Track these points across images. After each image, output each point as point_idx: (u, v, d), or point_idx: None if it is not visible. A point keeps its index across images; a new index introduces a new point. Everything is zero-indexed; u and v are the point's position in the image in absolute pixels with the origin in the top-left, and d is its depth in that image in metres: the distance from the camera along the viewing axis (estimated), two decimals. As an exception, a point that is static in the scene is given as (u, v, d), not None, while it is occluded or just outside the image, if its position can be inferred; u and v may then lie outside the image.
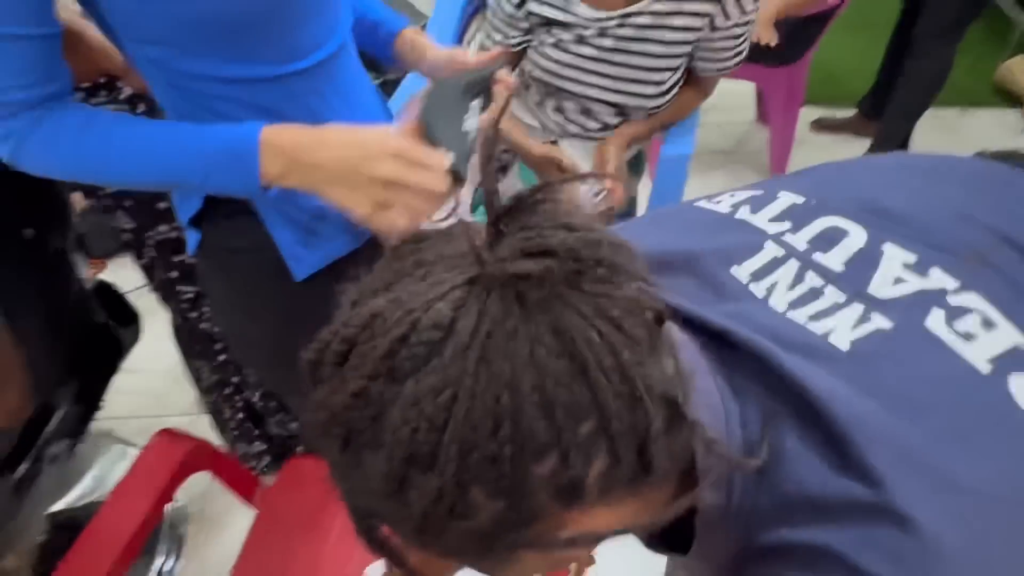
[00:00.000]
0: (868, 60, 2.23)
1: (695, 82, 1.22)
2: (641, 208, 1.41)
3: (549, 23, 1.14)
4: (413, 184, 0.59)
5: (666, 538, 0.46)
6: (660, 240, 0.47)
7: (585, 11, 1.10)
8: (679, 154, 1.17)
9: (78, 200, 1.93)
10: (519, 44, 1.19)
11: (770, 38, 1.70)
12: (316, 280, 0.75)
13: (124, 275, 1.31)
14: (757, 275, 0.44)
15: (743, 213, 0.48)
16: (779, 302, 0.42)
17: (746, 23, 1.10)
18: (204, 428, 1.45)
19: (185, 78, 0.62)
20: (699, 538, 0.41)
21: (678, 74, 1.16)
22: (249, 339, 0.83)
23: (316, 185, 0.61)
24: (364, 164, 0.59)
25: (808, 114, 2.35)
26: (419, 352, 0.30)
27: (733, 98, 2.37)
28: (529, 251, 0.31)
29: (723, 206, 0.50)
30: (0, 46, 0.54)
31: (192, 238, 0.73)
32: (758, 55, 1.71)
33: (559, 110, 1.24)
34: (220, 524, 1.42)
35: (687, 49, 1.12)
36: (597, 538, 0.36)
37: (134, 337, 1.32)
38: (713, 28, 1.09)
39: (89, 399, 1.17)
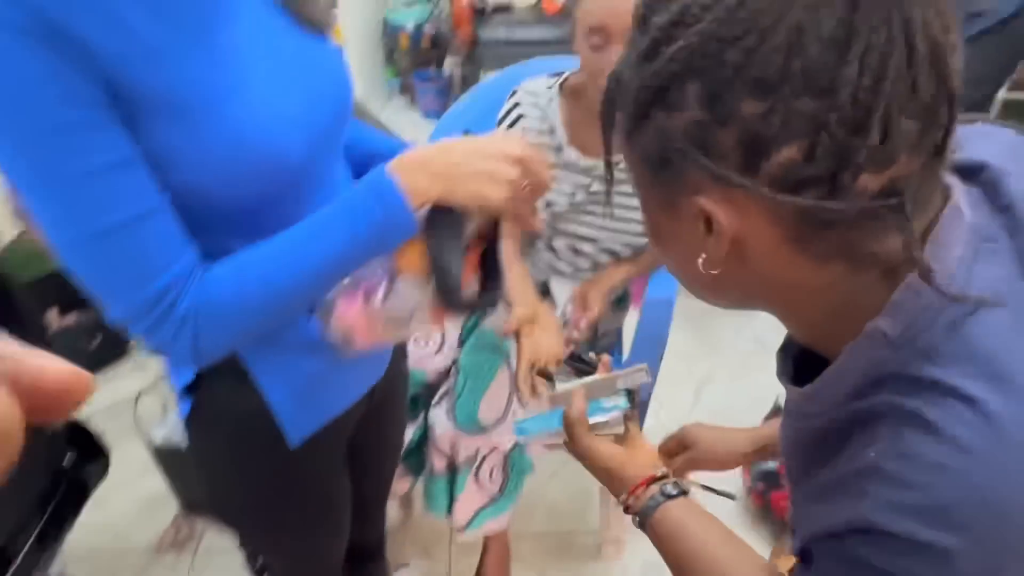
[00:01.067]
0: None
1: None
2: (626, 342, 1.43)
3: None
4: (532, 186, 0.62)
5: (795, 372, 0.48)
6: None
7: (576, 157, 1.16)
8: (664, 298, 1.20)
9: (54, 319, 1.91)
10: None
11: None
12: (310, 443, 0.74)
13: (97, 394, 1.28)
14: None
15: None
16: None
17: None
18: (164, 571, 1.37)
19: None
20: (838, 365, 0.42)
21: None
22: (237, 504, 0.80)
23: (458, 183, 0.60)
24: (492, 147, 0.60)
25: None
26: None
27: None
28: None
29: None
30: (140, 228, 0.52)
31: (184, 405, 0.71)
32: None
33: (551, 249, 1.28)
34: None
35: None
36: (740, 250, 0.39)
37: (102, 472, 1.26)
38: None
39: (50, 542, 1.11)
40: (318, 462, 0.79)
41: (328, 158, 0.68)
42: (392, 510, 1.51)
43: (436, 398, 1.24)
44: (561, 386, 0.77)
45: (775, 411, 1.41)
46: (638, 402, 0.78)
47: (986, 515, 0.35)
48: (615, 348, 1.42)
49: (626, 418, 0.74)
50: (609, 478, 0.69)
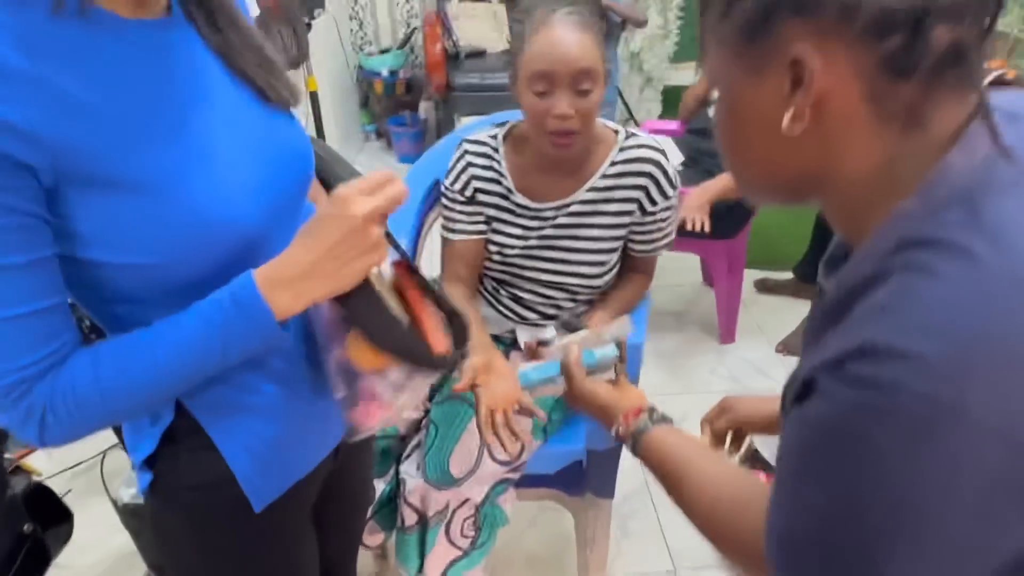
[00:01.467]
0: (801, 227, 2.41)
1: (635, 265, 1.30)
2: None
3: (498, 210, 1.23)
4: (387, 205, 0.59)
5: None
6: None
7: (525, 201, 1.19)
8: (633, 344, 1.22)
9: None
10: (478, 234, 1.26)
11: (701, 222, 1.84)
12: (274, 507, 0.73)
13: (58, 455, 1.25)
14: None
15: None
16: None
17: (669, 208, 1.21)
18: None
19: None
20: (865, 247, 0.46)
21: (617, 255, 1.25)
22: (202, 574, 0.79)
23: (338, 277, 0.59)
24: (343, 219, 0.57)
25: (754, 273, 2.50)
26: None
27: (681, 261, 2.51)
28: None
29: None
30: (8, 326, 0.52)
31: (144, 478, 0.70)
32: (698, 233, 1.85)
33: (515, 299, 1.29)
34: None
35: (622, 232, 1.21)
36: (820, 108, 0.44)
37: (65, 537, 1.24)
38: (643, 212, 1.20)
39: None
40: (283, 526, 0.79)
41: (288, 223, 0.69)
42: (368, 562, 1.49)
43: (407, 451, 1.23)
44: (558, 341, 0.86)
45: (749, 452, 1.42)
46: (625, 351, 0.87)
47: (980, 337, 0.39)
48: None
49: (616, 365, 0.84)
50: (603, 412, 0.77)
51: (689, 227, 1.83)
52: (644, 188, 1.18)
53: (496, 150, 1.22)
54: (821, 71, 0.43)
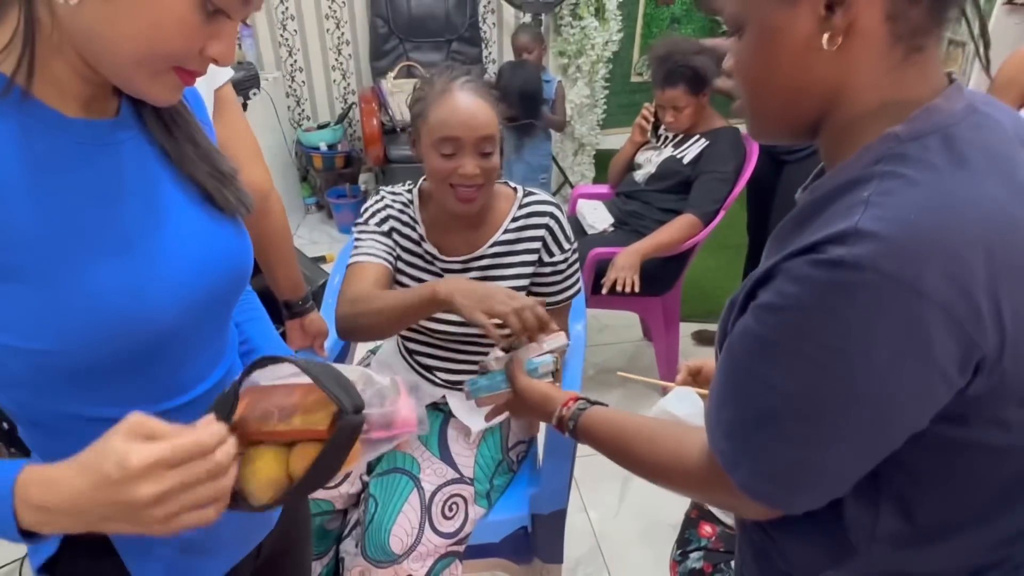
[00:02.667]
0: (731, 278, 2.52)
1: None
2: (540, 443, 1.44)
3: (410, 255, 1.26)
4: (191, 484, 0.49)
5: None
6: None
7: (435, 251, 1.24)
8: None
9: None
10: (388, 262, 1.24)
11: (632, 282, 1.90)
12: None
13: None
14: None
15: None
16: None
17: (566, 260, 1.27)
18: None
19: (48, 417, 0.60)
20: (851, 159, 0.54)
21: None
22: None
23: (91, 526, 0.51)
24: (120, 492, 0.48)
25: (691, 326, 2.58)
26: None
27: (621, 319, 2.58)
28: None
29: None
30: None
31: None
32: (631, 292, 1.91)
33: (436, 359, 1.30)
34: None
35: (525, 283, 1.26)
36: (849, 30, 0.51)
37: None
38: (542, 263, 1.25)
39: None
40: None
41: (209, 323, 0.68)
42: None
43: (346, 530, 1.20)
44: (497, 353, 0.97)
45: (693, 505, 1.43)
46: (561, 359, 0.99)
47: (939, 229, 0.47)
48: (528, 455, 1.43)
49: (553, 370, 0.95)
50: (543, 403, 0.86)
51: (620, 288, 1.89)
52: (542, 239, 1.24)
53: (411, 202, 1.27)
54: None
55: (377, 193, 1.30)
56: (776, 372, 0.52)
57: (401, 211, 1.26)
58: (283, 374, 0.64)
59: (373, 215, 1.27)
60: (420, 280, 1.26)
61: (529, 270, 1.26)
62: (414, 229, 1.26)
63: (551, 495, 1.29)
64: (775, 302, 0.51)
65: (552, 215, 1.25)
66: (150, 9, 0.52)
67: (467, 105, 1.12)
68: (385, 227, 1.26)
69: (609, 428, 0.76)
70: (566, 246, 1.26)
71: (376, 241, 1.25)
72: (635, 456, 0.72)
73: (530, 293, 1.29)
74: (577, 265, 1.30)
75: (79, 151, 0.57)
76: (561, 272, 1.27)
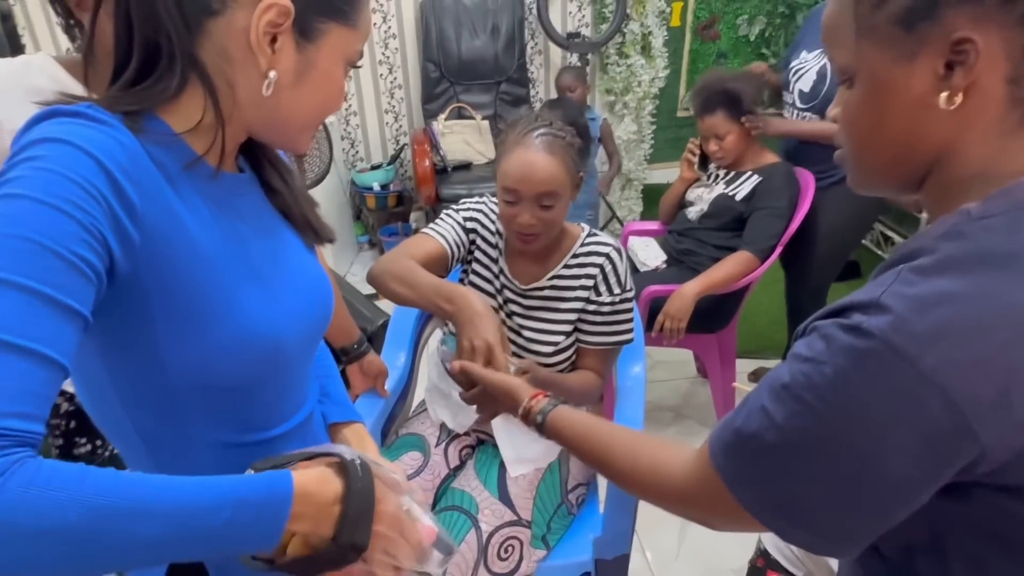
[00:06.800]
0: (785, 314, 2.47)
1: (585, 360, 1.33)
2: (602, 489, 1.43)
3: (486, 257, 1.33)
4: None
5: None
6: None
7: (505, 269, 1.31)
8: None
9: None
10: (452, 245, 1.32)
11: (679, 333, 1.92)
12: None
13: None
14: None
15: None
16: None
17: (612, 304, 1.27)
18: None
19: (169, 437, 0.64)
20: (925, 230, 0.54)
21: (570, 339, 1.31)
22: None
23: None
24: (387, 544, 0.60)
25: (747, 365, 2.53)
26: None
27: (675, 355, 2.55)
28: None
29: None
30: (8, 358, 0.44)
31: None
32: (688, 329, 1.90)
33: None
34: None
35: (574, 317, 1.28)
36: (968, 88, 0.51)
37: None
38: (589, 301, 1.27)
39: None
40: None
41: (308, 354, 0.77)
42: None
43: None
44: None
45: (760, 553, 1.40)
46: (527, 375, 1.06)
47: (960, 329, 0.47)
48: (589, 496, 1.42)
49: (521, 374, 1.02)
50: (512, 396, 0.91)
51: (667, 342, 1.90)
52: (594, 278, 1.27)
53: (498, 220, 1.34)
54: (984, 50, 0.50)
55: (481, 196, 1.39)
56: (779, 409, 0.54)
57: (492, 220, 1.34)
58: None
59: (466, 209, 1.36)
60: (483, 287, 1.33)
61: (579, 305, 1.28)
62: (495, 245, 1.33)
63: (614, 539, 1.28)
64: (802, 353, 0.54)
65: (608, 256, 1.27)
66: (326, 85, 0.64)
67: (531, 161, 1.16)
68: (469, 224, 1.35)
69: (581, 428, 0.80)
70: (616, 290, 1.28)
71: (452, 227, 1.33)
72: (611, 460, 0.74)
73: (576, 331, 1.31)
74: (630, 313, 1.31)
75: (230, 198, 0.66)
76: (604, 315, 1.28)
